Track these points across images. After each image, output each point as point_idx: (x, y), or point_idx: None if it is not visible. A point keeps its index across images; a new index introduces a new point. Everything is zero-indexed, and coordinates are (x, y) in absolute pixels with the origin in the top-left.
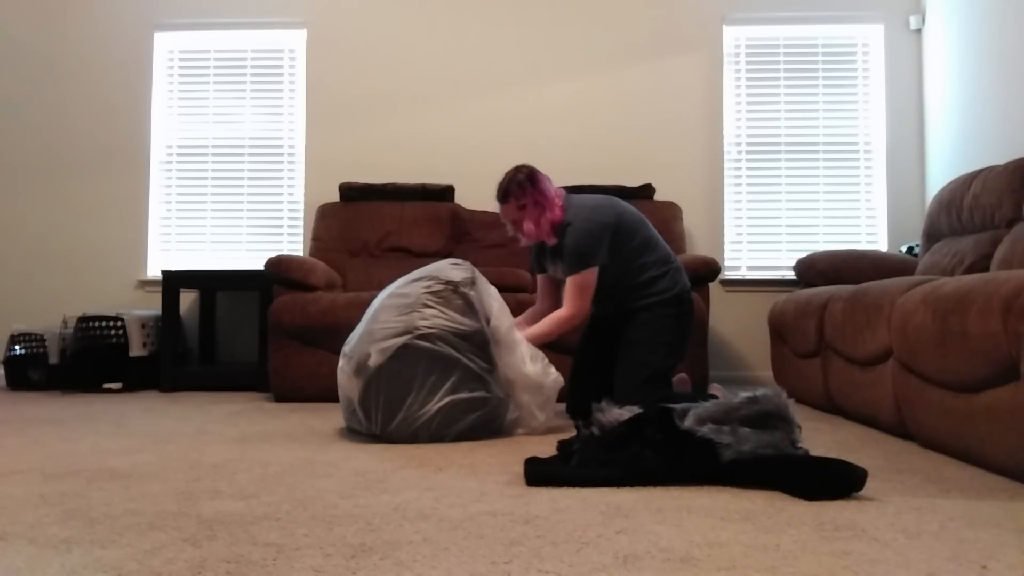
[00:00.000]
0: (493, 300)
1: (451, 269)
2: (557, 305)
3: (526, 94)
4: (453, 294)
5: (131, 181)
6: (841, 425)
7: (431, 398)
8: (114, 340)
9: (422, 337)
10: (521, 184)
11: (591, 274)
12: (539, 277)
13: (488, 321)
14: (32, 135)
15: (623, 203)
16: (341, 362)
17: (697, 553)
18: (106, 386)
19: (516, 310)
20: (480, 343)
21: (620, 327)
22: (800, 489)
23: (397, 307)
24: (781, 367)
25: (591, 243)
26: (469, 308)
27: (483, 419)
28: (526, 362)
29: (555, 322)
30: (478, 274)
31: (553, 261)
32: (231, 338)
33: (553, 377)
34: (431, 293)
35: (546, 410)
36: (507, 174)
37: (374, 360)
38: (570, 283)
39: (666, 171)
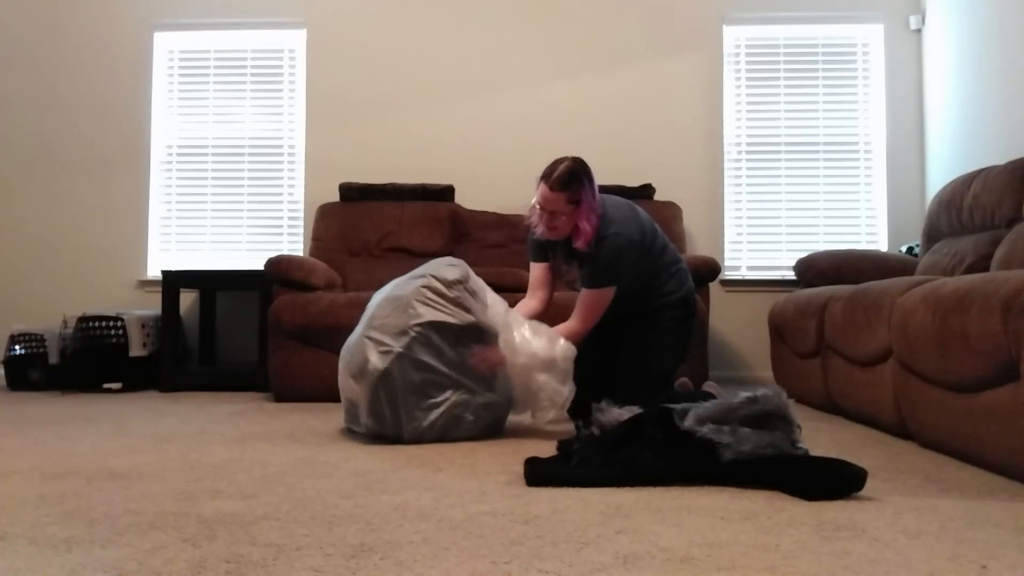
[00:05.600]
0: (487, 293)
1: (445, 268)
2: (550, 296)
3: (526, 94)
4: (448, 292)
5: (131, 181)
6: (841, 425)
7: (436, 400)
8: (114, 340)
9: (422, 338)
10: (580, 178)
11: (609, 293)
12: (535, 266)
13: (484, 315)
14: (32, 135)
15: (637, 208)
16: (341, 364)
17: (697, 553)
18: (106, 386)
19: None
20: (477, 339)
21: (624, 327)
22: (800, 489)
23: (393, 308)
24: (781, 367)
25: (622, 263)
26: (464, 305)
27: (488, 419)
28: (530, 341)
29: (561, 334)
30: (471, 271)
31: (567, 260)
32: (231, 338)
33: (561, 346)
34: (427, 291)
35: (567, 383)
36: (564, 163)
37: (373, 364)
38: (585, 297)
39: (666, 171)
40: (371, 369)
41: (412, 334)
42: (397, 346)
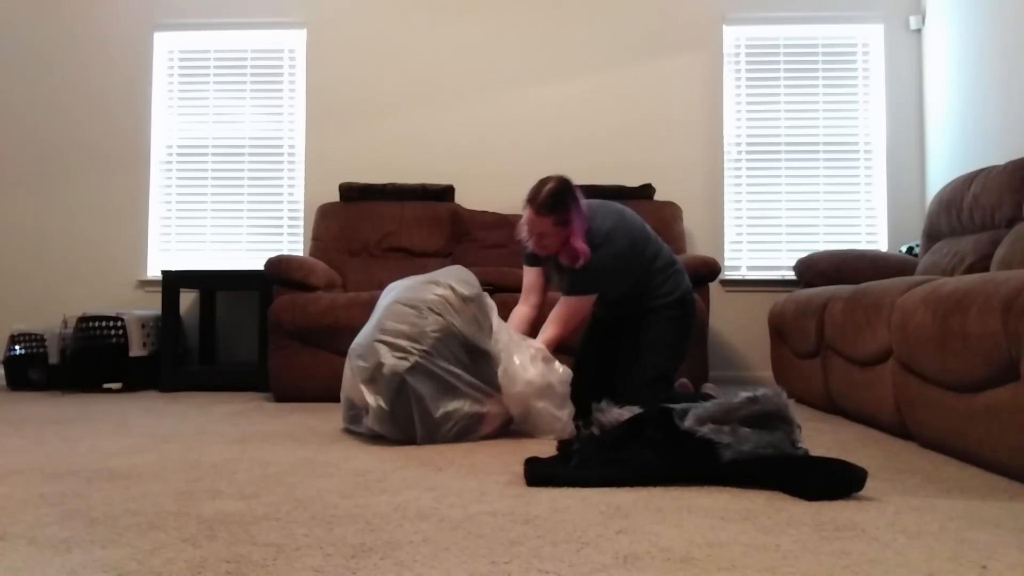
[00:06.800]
0: (492, 313)
1: (460, 283)
2: (543, 300)
3: (526, 94)
4: (463, 305)
5: (131, 181)
6: (841, 425)
7: (450, 409)
8: (114, 340)
9: (439, 345)
10: (564, 200)
11: (588, 301)
12: (528, 270)
13: (490, 337)
14: (32, 135)
15: (629, 214)
16: (347, 366)
17: (697, 553)
18: (106, 386)
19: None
20: (484, 356)
21: (622, 328)
22: (800, 489)
23: (408, 313)
24: (781, 367)
25: (604, 274)
26: (476, 320)
27: (508, 417)
28: (528, 368)
29: (545, 343)
30: (481, 288)
31: (558, 270)
32: (231, 338)
33: (559, 373)
34: (444, 301)
35: (565, 407)
36: (549, 184)
37: (390, 368)
38: (564, 305)
39: (666, 171)
40: (386, 373)
41: (430, 340)
42: (415, 351)
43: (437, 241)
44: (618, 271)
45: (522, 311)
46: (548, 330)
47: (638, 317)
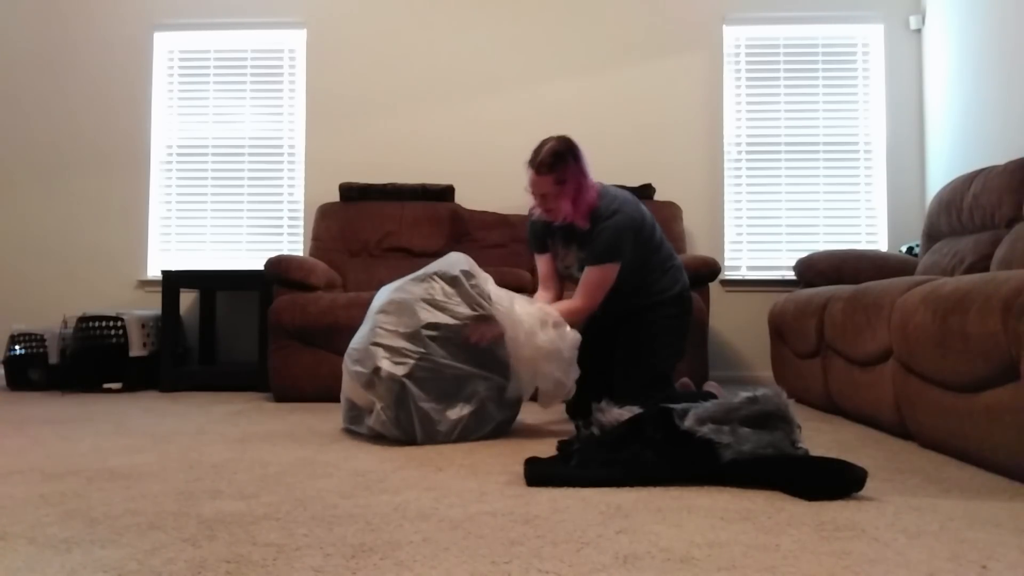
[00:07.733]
0: (489, 285)
1: (447, 266)
2: (561, 285)
3: (526, 94)
4: (453, 289)
5: (131, 181)
6: (841, 425)
7: (455, 403)
8: (114, 340)
9: (434, 341)
10: (564, 158)
11: (613, 270)
12: (540, 258)
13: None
14: (32, 135)
15: (637, 200)
16: (345, 370)
17: (697, 553)
18: (106, 386)
19: None
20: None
21: (620, 326)
22: (800, 489)
23: (400, 313)
24: (781, 367)
25: (624, 239)
26: (473, 299)
27: (508, 411)
28: (536, 333)
29: (564, 312)
30: (474, 264)
31: (566, 244)
32: (231, 338)
33: (569, 338)
34: (432, 293)
35: (571, 373)
36: (549, 144)
37: (387, 372)
38: (589, 275)
39: (666, 171)
40: (385, 377)
41: (426, 338)
42: (412, 353)
43: (437, 241)
44: (632, 236)
45: (544, 297)
46: (575, 301)
47: (636, 315)
